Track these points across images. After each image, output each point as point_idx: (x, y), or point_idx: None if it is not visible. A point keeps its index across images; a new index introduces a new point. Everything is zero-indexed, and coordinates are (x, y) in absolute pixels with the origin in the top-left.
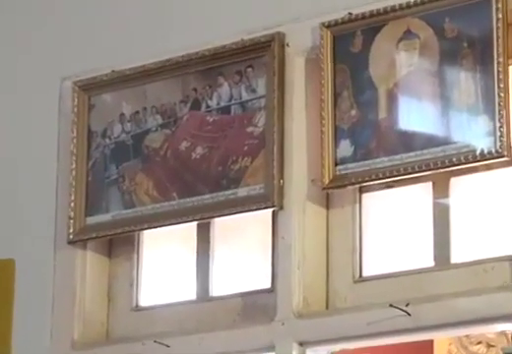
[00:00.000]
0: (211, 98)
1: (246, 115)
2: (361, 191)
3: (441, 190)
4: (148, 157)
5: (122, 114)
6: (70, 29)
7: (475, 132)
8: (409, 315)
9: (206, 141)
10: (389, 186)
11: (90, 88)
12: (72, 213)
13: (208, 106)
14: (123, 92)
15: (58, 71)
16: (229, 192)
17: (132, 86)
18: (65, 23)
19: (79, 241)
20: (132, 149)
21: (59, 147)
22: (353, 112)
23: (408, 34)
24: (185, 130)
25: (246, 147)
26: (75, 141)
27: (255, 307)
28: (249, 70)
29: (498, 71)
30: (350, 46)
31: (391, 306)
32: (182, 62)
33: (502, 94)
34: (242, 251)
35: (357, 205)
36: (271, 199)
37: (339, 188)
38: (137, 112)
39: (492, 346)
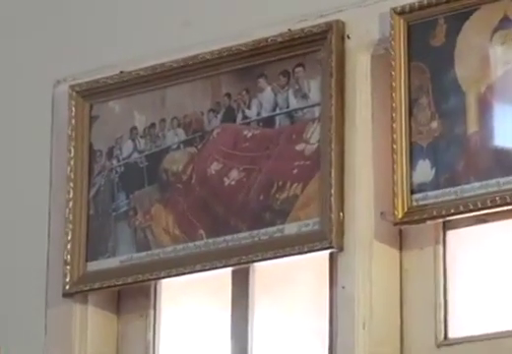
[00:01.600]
0: (249, 107)
1: (295, 128)
2: (446, 227)
3: None
4: (167, 184)
5: (134, 128)
6: (66, 20)
7: None
8: None
9: (243, 162)
10: (482, 220)
11: (91, 93)
12: (68, 257)
13: (245, 117)
14: (135, 100)
15: (50, 72)
16: (274, 229)
17: (146, 91)
18: (59, 11)
19: (78, 293)
20: (147, 174)
21: (52, 172)
22: (435, 124)
23: (505, 23)
24: (216, 148)
25: (296, 171)
26: (72, 163)
27: None
28: (299, 70)
29: None
30: (429, 39)
31: None
32: (211, 60)
33: None
34: (290, 305)
35: (441, 245)
36: (328, 237)
37: (416, 223)
38: (153, 125)
39: None
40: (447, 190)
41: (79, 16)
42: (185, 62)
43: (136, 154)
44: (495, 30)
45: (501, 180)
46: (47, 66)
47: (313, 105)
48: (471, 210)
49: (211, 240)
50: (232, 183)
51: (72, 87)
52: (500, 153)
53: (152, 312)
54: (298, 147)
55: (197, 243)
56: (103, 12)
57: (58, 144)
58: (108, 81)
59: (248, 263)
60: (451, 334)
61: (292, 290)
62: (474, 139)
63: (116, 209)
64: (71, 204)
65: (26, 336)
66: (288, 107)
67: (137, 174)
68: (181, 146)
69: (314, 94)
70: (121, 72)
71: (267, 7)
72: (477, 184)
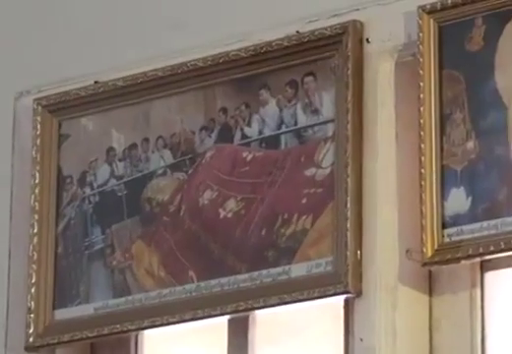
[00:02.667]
0: (249, 124)
1: (305, 150)
2: (484, 267)
3: None
4: (151, 217)
5: (111, 149)
6: (29, 20)
7: None
8: None
9: (242, 190)
10: None
11: (60, 108)
12: (32, 304)
13: (244, 136)
14: (112, 115)
15: (11, 82)
16: (279, 270)
17: (126, 105)
18: (21, 10)
19: (43, 346)
20: (126, 204)
21: (12, 202)
22: (471, 145)
23: None
24: (209, 173)
25: (305, 200)
26: (37, 191)
27: None
28: (309, 80)
29: None
30: (464, 42)
31: None
32: (204, 68)
33: None
34: None
35: (478, 289)
36: (343, 280)
37: (448, 263)
38: (134, 146)
39: None
40: (486, 223)
41: (45, 16)
42: (173, 70)
43: (113, 181)
44: None
45: None
46: (7, 75)
47: (326, 122)
48: None
49: (203, 283)
50: (229, 215)
51: (37, 100)
52: None
53: None
54: (308, 172)
55: (187, 287)
56: (75, 12)
57: (20, 168)
58: (80, 93)
59: (248, 310)
60: None
61: (300, 343)
62: None
63: (90, 247)
64: (35, 240)
65: None
66: (295, 124)
67: (115, 205)
68: (168, 170)
69: (327, 109)
70: (96, 82)
71: (271, 5)
72: None
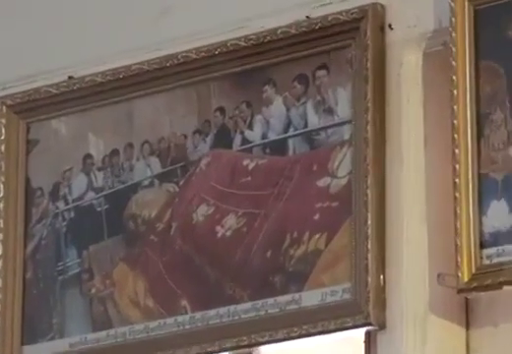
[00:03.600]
0: (250, 127)
1: (317, 156)
2: None
3: None
4: (136, 236)
5: (88, 156)
6: None
7: None
8: None
9: (243, 204)
10: None
11: (28, 108)
12: None
13: (246, 141)
14: (90, 116)
15: None
16: (287, 298)
17: (106, 104)
18: None
19: None
20: (107, 221)
21: None
22: None
23: None
24: (204, 184)
25: (317, 216)
26: (1, 205)
27: None
28: (321, 74)
29: None
30: (505, 29)
31: None
32: (197, 60)
33: None
34: None
35: None
36: (363, 310)
37: (488, 289)
38: (115, 152)
39: None
40: None
41: (13, 4)
42: (160, 64)
43: (91, 194)
44: None
45: None
46: None
47: (342, 123)
48: None
49: (198, 314)
50: (228, 234)
51: (1, 99)
52: None
53: None
54: (321, 183)
55: (179, 318)
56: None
57: None
58: (52, 90)
59: (251, 346)
60: None
61: None
62: None
63: (64, 272)
64: (0, 263)
65: None
66: (305, 127)
67: (93, 222)
68: (156, 181)
69: (343, 108)
70: (70, 78)
71: None
72: None
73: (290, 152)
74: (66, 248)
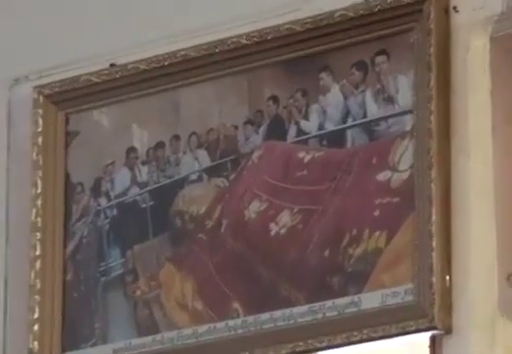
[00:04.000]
0: (306, 117)
1: (377, 148)
2: None
3: None
4: (183, 234)
5: (132, 149)
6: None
7: None
8: None
9: (298, 200)
10: None
11: (67, 98)
12: (36, 345)
13: (301, 132)
14: (133, 107)
15: (4, 67)
16: (346, 301)
17: (151, 93)
18: None
19: None
20: (152, 219)
21: (8, 216)
22: None
23: None
24: (257, 179)
25: (378, 212)
26: (39, 202)
27: None
28: (381, 60)
29: None
30: None
31: None
32: (248, 46)
33: None
34: None
35: None
36: (428, 313)
37: None
38: (161, 145)
39: None
40: None
41: None
42: (208, 50)
43: (135, 190)
44: None
45: None
46: (1, 60)
47: (403, 113)
48: None
49: (251, 318)
50: (282, 231)
51: (37, 88)
52: None
53: None
54: (381, 177)
55: (230, 323)
56: None
57: (18, 174)
58: (93, 78)
59: (308, 352)
60: None
61: None
62: None
63: (106, 273)
64: (38, 265)
65: None
66: (364, 116)
67: (137, 219)
68: (204, 176)
69: (404, 97)
70: (112, 65)
71: None
72: None
73: (349, 144)
74: (109, 247)
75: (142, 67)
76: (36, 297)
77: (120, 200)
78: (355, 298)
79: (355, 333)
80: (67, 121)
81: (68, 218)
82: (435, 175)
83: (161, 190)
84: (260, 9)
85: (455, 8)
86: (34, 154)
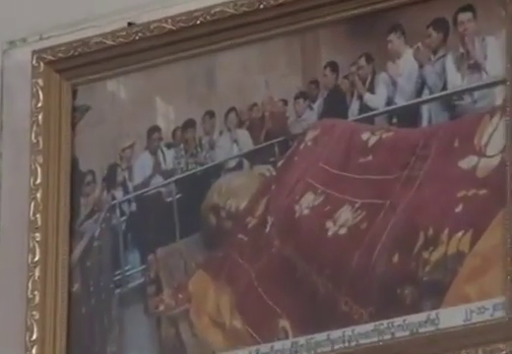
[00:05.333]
0: (371, 89)
1: (459, 128)
2: None
3: None
4: (219, 234)
5: (155, 128)
6: None
7: None
8: None
9: (362, 192)
10: None
11: (74, 66)
12: None
13: (365, 108)
14: (156, 76)
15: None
16: (421, 317)
17: (177, 59)
18: None
19: None
20: (180, 216)
21: (1, 212)
22: None
23: None
24: (311, 166)
25: (460, 207)
26: (39, 195)
27: None
28: (465, 17)
29: None
30: None
31: None
32: (300, 1)
33: None
34: None
35: None
36: None
37: None
38: (190, 123)
39: None
40: None
41: None
42: (251, 5)
43: (159, 179)
44: None
45: None
46: None
47: (492, 84)
48: None
49: (302, 339)
50: (342, 232)
51: (37, 53)
52: None
53: None
54: (465, 164)
55: (277, 345)
56: None
57: (13, 159)
58: (106, 41)
59: None
60: None
61: None
62: None
63: (123, 283)
64: (37, 273)
65: None
66: (444, 88)
67: (161, 216)
68: (245, 162)
69: (494, 64)
70: (130, 24)
71: None
72: None
73: (424, 123)
74: (126, 251)
75: (167, 27)
76: (35, 313)
77: (140, 192)
78: (432, 314)
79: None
80: (74, 94)
81: (75, 215)
82: None
83: (192, 180)
84: None
85: None
86: (33, 136)
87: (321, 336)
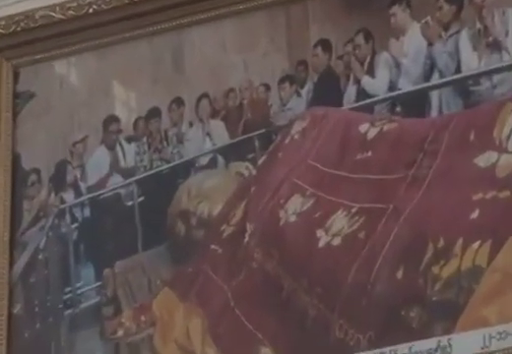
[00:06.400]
0: (371, 71)
1: (475, 118)
2: None
3: None
4: (188, 246)
5: (112, 118)
6: None
7: None
8: None
9: (360, 195)
10: None
11: (16, 44)
12: None
13: (363, 94)
14: (113, 56)
15: None
16: (430, 344)
17: (139, 36)
18: None
19: None
20: (141, 223)
21: None
22: None
23: None
24: (298, 164)
25: (477, 213)
26: None
27: None
28: None
29: None
30: None
31: None
32: None
33: None
34: None
35: None
36: None
37: None
38: (154, 113)
39: None
40: None
41: None
42: None
43: (117, 179)
44: None
45: None
46: None
47: None
48: None
49: None
50: (336, 242)
51: None
52: None
53: None
54: (482, 161)
55: None
56: None
57: None
58: (54, 15)
59: None
60: None
61: None
62: None
63: (74, 303)
64: None
65: None
66: (457, 71)
67: (120, 224)
68: (219, 159)
69: None
70: None
71: None
72: None
73: (434, 112)
74: (78, 265)
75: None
76: None
77: (95, 194)
78: (444, 341)
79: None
80: (16, 77)
81: (16, 222)
82: None
83: (156, 180)
84: None
85: None
86: None
87: None
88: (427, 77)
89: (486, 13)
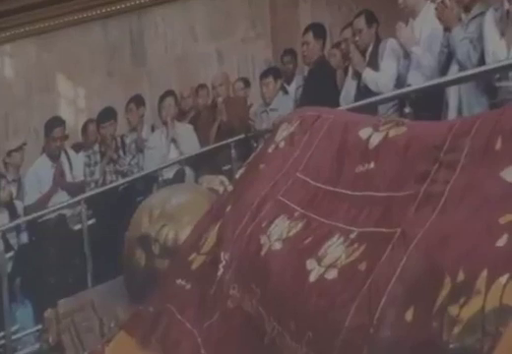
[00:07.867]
0: (373, 62)
1: (503, 120)
2: None
3: None
4: (149, 280)
5: (56, 121)
6: None
7: None
8: None
9: (358, 218)
10: None
11: None
12: None
13: (365, 90)
14: (58, 42)
15: None
16: None
17: (92, 19)
18: None
19: None
20: (92, 251)
21: None
22: None
23: None
24: (284, 176)
25: (504, 240)
26: None
27: None
28: None
29: None
30: None
31: None
32: None
33: None
34: None
35: None
36: None
37: None
38: (108, 114)
39: None
40: None
41: None
42: None
43: (62, 197)
44: None
45: None
46: None
47: None
48: None
49: None
50: (330, 276)
51: None
52: None
53: None
54: (509, 176)
55: None
56: None
57: None
58: None
59: None
60: None
61: None
62: None
63: (7, 351)
64: None
65: None
66: (480, 62)
67: (66, 252)
68: (188, 171)
69: None
70: None
71: None
72: None
73: (451, 114)
74: (13, 304)
75: None
76: None
77: (35, 216)
78: None
79: None
80: None
81: None
82: None
83: (110, 197)
84: None
85: None
86: None
87: None
88: (444, 70)
89: None
